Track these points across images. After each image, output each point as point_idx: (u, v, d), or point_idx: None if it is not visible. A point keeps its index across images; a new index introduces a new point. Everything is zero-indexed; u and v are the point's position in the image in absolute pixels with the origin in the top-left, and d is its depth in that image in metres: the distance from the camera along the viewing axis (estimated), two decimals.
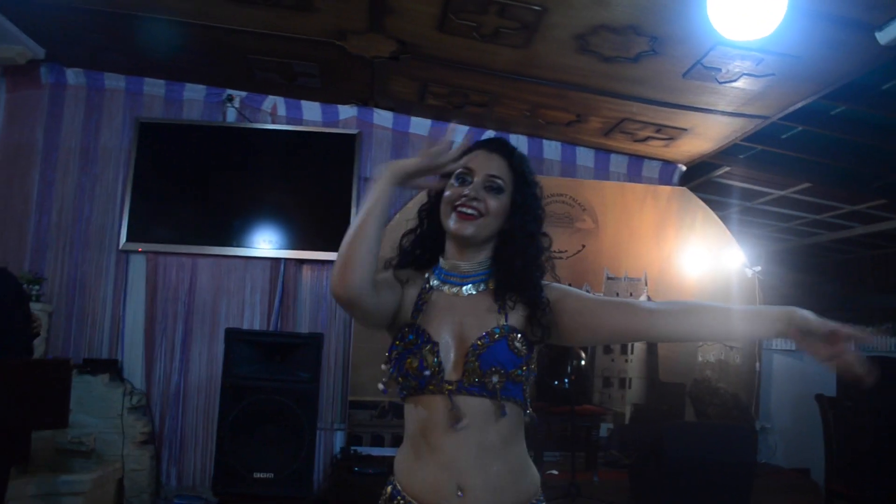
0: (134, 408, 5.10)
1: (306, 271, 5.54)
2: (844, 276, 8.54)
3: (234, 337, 4.01)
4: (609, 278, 5.76)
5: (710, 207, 6.40)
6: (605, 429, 5.51)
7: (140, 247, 5.33)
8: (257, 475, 3.82)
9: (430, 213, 1.64)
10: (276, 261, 5.47)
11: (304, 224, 5.52)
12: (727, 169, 6.23)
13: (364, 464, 4.87)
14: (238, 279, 5.45)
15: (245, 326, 5.37)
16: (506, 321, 1.53)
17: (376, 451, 5.26)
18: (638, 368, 5.68)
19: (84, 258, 5.31)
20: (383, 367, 1.56)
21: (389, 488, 1.56)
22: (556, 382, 5.00)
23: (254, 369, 3.95)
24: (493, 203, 1.54)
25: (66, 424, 2.30)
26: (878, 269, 8.01)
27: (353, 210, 5.51)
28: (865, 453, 4.42)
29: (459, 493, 1.43)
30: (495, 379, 1.47)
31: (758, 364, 5.87)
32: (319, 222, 5.57)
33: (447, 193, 1.55)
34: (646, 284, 5.77)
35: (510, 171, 1.58)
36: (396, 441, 5.35)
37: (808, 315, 1.34)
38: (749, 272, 5.86)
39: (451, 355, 1.50)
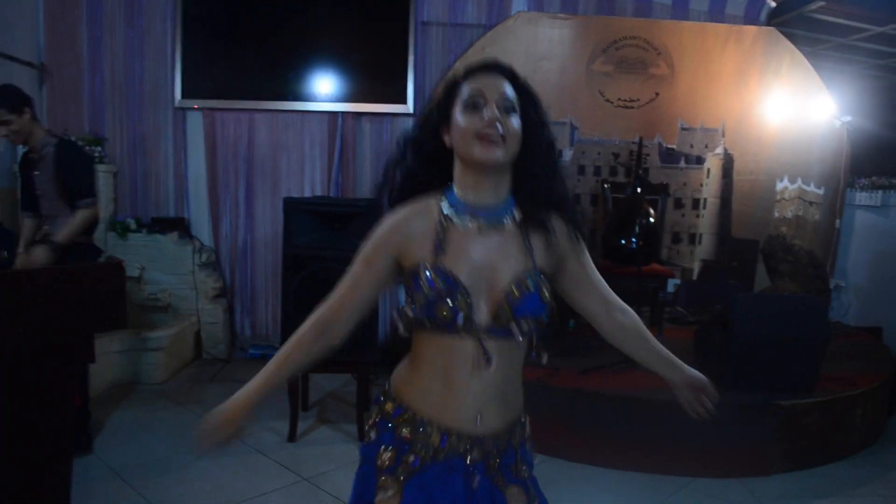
0: (204, 264, 5.25)
1: (365, 124, 5.39)
2: None
3: (293, 207, 3.95)
4: (683, 129, 5.42)
5: (800, 44, 5.84)
6: (671, 284, 5.42)
7: (196, 103, 5.23)
8: None
9: (424, 143, 1.56)
10: (333, 114, 5.32)
11: (361, 75, 5.30)
12: (822, 3, 5.61)
13: None
14: (296, 134, 5.35)
15: (306, 183, 5.35)
16: (533, 264, 1.51)
17: None
18: (709, 224, 5.47)
19: (141, 117, 5.26)
20: (397, 310, 1.54)
21: (390, 405, 1.58)
22: (622, 242, 4.87)
23: (313, 239, 3.92)
24: (513, 123, 1.46)
25: (126, 325, 2.34)
26: None
27: (411, 58, 5.24)
28: None
29: (478, 421, 1.50)
30: (525, 326, 1.48)
31: (838, 220, 5.57)
32: (377, 72, 5.34)
33: (462, 124, 1.45)
34: (723, 136, 5.42)
35: (515, 91, 1.50)
36: None
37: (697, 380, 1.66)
38: (837, 122, 5.42)
39: (483, 302, 1.47)
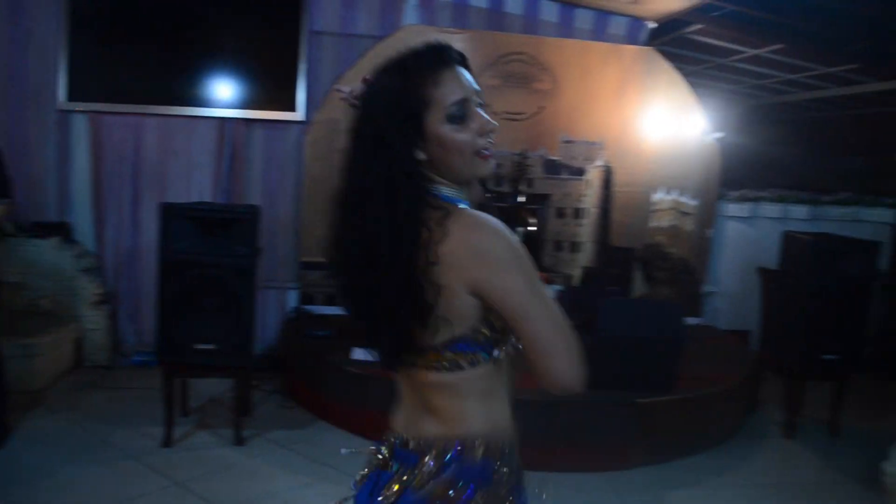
0: (86, 270, 5.15)
1: (256, 131, 5.41)
2: (817, 135, 8.43)
3: (171, 212, 3.95)
4: (566, 142, 5.65)
5: (681, 63, 6.18)
6: (554, 291, 5.63)
7: (81, 106, 5.14)
8: (199, 346, 3.91)
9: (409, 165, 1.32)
10: (223, 121, 5.32)
11: (253, 82, 5.32)
12: (700, 26, 5.96)
13: (315, 324, 5.01)
14: (185, 140, 5.31)
15: (194, 189, 5.33)
16: None
17: (328, 310, 5.40)
18: (590, 232, 5.71)
19: (24, 118, 5.11)
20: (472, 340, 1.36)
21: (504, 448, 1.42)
22: None
23: (192, 244, 3.91)
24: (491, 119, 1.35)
25: None
26: (852, 130, 7.90)
27: (302, 66, 5.31)
28: (795, 327, 4.56)
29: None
30: None
31: (709, 230, 5.92)
32: (268, 80, 5.38)
33: (458, 140, 1.31)
34: (603, 149, 5.68)
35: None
36: None
37: None
38: (711, 138, 5.76)
39: None
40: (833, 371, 4.67)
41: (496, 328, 1.34)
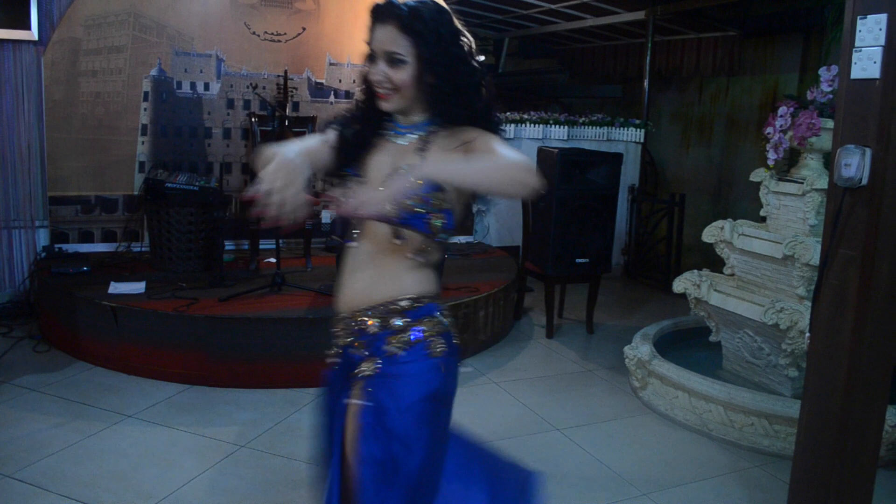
0: None
1: None
2: (578, 64, 8.97)
3: None
4: (331, 64, 5.58)
5: None
6: (328, 215, 5.62)
7: None
8: None
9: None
10: None
11: None
12: None
13: (66, 263, 4.65)
14: None
15: None
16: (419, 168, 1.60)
17: (85, 248, 5.03)
18: None
19: None
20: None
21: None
22: None
23: None
24: (399, 76, 1.60)
25: None
26: (608, 59, 8.47)
27: None
28: (549, 235, 4.89)
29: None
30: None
31: None
32: None
33: (368, 76, 1.66)
34: None
35: (406, 35, 1.58)
36: (107, 237, 5.14)
37: None
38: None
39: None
40: (585, 273, 5.10)
41: None
